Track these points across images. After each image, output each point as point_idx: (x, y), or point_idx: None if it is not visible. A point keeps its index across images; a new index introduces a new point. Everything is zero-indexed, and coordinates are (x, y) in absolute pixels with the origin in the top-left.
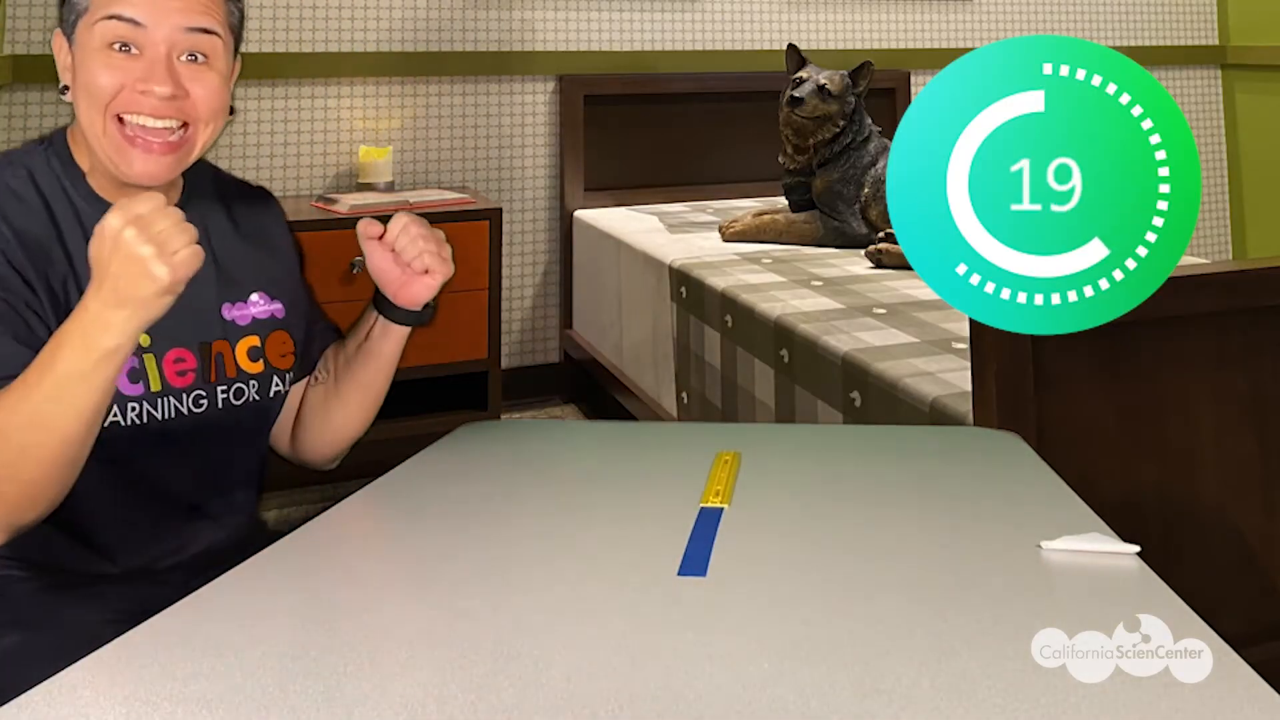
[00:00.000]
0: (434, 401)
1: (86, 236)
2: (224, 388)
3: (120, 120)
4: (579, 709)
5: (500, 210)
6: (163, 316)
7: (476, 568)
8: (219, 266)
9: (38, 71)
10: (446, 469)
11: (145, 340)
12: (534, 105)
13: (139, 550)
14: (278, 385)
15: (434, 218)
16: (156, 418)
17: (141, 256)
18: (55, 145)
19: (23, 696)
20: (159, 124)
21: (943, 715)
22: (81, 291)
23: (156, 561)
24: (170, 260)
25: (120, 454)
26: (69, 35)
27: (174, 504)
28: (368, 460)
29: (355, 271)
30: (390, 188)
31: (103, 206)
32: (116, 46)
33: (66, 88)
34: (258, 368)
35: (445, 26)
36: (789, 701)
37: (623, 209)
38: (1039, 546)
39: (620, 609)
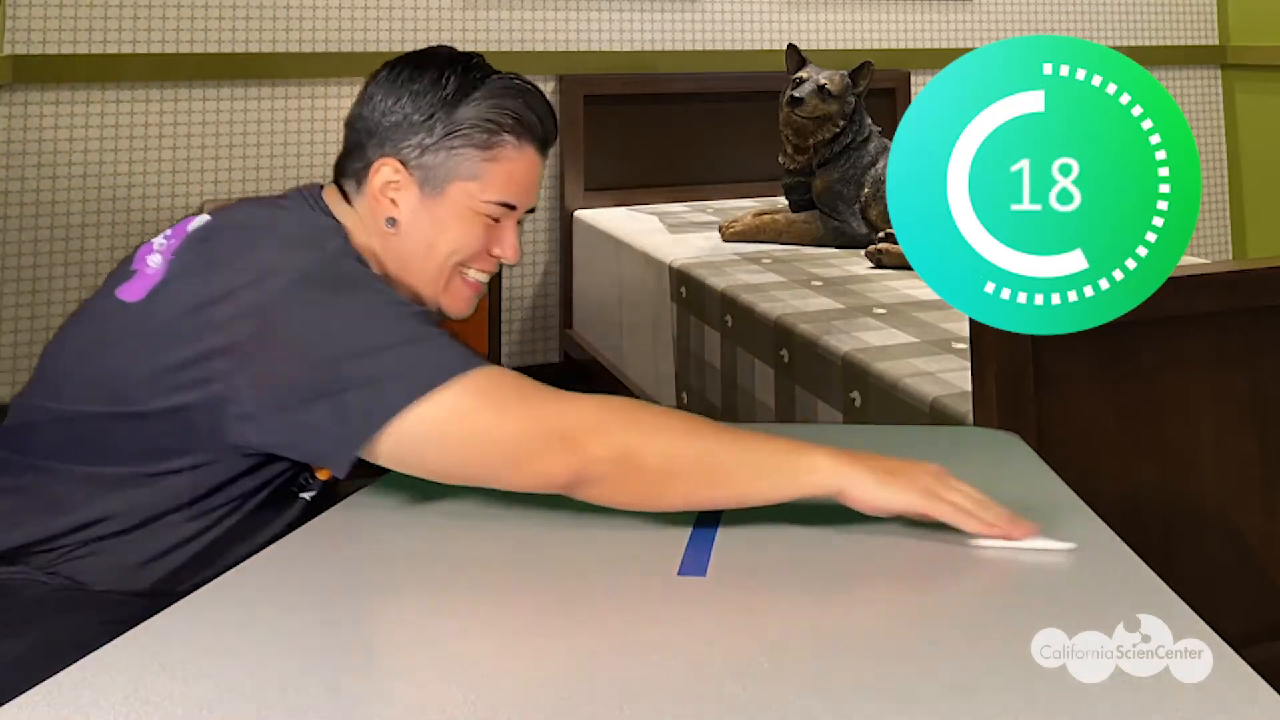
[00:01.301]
0: None
1: None
2: None
3: (459, 270)
4: (579, 709)
5: None
6: None
7: (476, 568)
8: None
9: (38, 71)
10: None
11: None
12: None
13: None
14: None
15: None
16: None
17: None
18: (346, 244)
19: (23, 696)
20: (488, 277)
21: (943, 715)
22: None
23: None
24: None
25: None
26: (431, 184)
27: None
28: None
29: None
30: None
31: None
32: (490, 218)
33: (395, 220)
34: None
35: (445, 26)
36: (789, 701)
37: (623, 209)
38: (970, 544)
39: (620, 609)
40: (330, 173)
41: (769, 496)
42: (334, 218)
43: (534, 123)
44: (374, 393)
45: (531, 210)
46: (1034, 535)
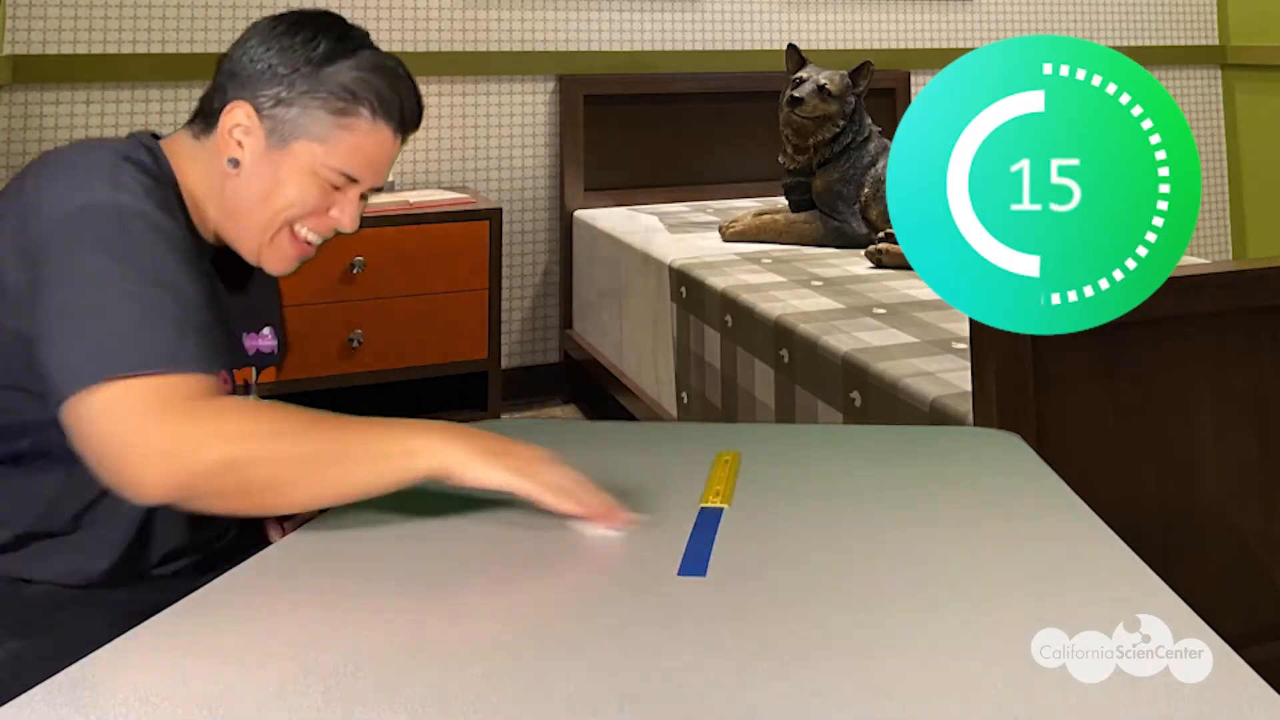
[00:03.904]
0: (434, 401)
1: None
2: None
3: (290, 226)
4: (579, 709)
5: (500, 210)
6: (222, 337)
7: (477, 567)
8: (248, 295)
9: (38, 71)
10: None
11: None
12: (534, 105)
13: (143, 554)
14: None
15: (434, 218)
16: None
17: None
18: (164, 182)
19: (23, 696)
20: (320, 240)
21: (943, 715)
22: None
23: (154, 567)
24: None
25: None
26: (278, 135)
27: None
28: None
29: (355, 272)
30: (390, 188)
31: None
32: (330, 184)
33: (237, 162)
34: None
35: (445, 26)
36: (789, 701)
37: (623, 209)
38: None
39: (620, 609)
40: None
41: (378, 488)
42: (161, 158)
43: (395, 104)
44: (74, 360)
45: (378, 190)
46: (632, 524)
